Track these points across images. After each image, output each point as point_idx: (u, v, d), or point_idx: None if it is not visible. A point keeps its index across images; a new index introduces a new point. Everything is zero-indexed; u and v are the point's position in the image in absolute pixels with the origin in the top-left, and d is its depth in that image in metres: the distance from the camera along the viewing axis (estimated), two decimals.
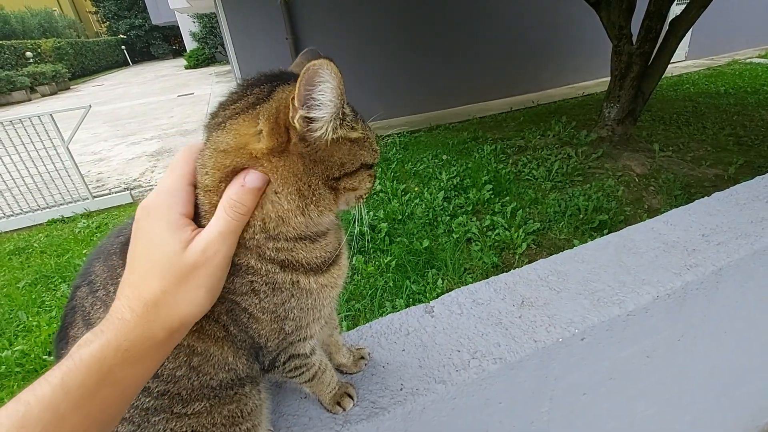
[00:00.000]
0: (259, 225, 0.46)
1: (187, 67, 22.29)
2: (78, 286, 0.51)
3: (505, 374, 0.74)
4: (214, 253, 0.43)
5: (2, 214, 4.81)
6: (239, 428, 0.54)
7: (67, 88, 20.06)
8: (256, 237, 0.47)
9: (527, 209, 3.65)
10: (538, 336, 0.77)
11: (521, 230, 3.23)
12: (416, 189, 4.00)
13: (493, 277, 0.95)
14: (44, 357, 2.61)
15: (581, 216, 3.47)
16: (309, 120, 0.43)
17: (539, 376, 0.80)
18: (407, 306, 2.57)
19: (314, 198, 0.46)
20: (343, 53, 6.38)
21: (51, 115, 4.60)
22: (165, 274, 0.42)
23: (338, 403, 0.64)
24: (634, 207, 3.62)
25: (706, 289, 0.94)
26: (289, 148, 0.44)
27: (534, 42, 7.43)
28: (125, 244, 0.47)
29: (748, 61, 8.50)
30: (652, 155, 4.31)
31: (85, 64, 25.97)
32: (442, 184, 4.08)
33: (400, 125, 6.66)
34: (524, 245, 3.08)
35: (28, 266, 3.83)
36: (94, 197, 5.07)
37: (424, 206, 3.68)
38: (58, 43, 22.64)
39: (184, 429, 0.50)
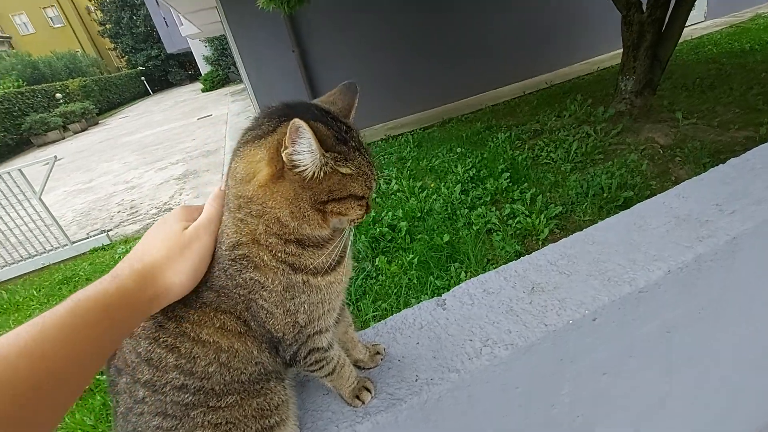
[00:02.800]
0: (273, 230, 0.53)
1: (203, 90, 23.03)
2: None
3: (519, 359, 0.76)
4: (204, 231, 0.54)
5: None
6: (268, 421, 0.59)
7: (96, 123, 21.12)
8: (270, 240, 0.53)
9: (547, 194, 3.59)
10: (549, 320, 0.79)
11: (542, 216, 3.19)
12: (432, 185, 4.01)
13: (503, 265, 0.97)
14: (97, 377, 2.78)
15: (605, 195, 3.39)
16: (295, 163, 0.50)
17: (554, 359, 0.81)
18: None
19: (304, 218, 0.52)
20: (349, 59, 6.46)
21: (20, 170, 4.82)
22: (166, 242, 0.53)
23: (357, 397, 0.68)
24: (661, 180, 3.51)
25: (722, 260, 0.93)
26: (283, 174, 0.51)
27: (543, 22, 7.28)
28: None
29: None
30: (675, 124, 4.15)
31: (110, 99, 27.28)
32: (458, 177, 4.08)
33: (412, 123, 6.68)
34: (546, 231, 3.05)
35: None
36: (73, 243, 5.28)
37: (441, 201, 3.69)
38: (84, 81, 23.87)
39: (220, 420, 0.56)
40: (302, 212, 0.52)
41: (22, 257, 5.10)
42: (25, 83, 20.55)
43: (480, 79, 7.26)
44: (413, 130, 6.21)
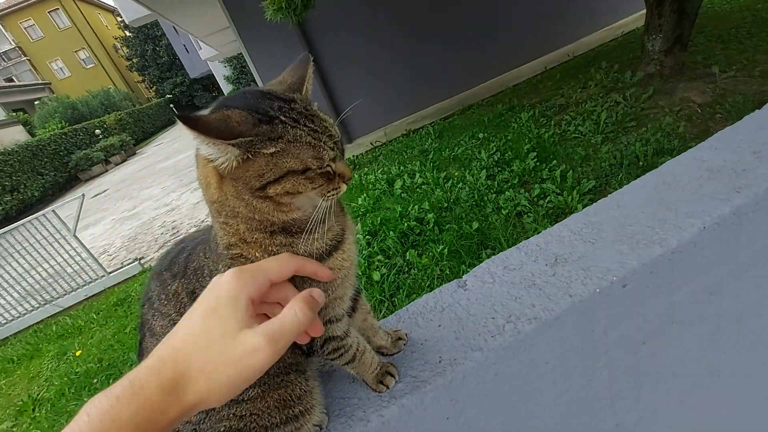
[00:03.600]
0: (252, 226, 0.53)
1: None
2: (143, 304, 0.62)
3: (545, 334, 0.73)
4: (262, 348, 0.43)
5: (31, 307, 5.35)
6: (292, 410, 0.60)
7: (134, 153, 22.34)
8: (256, 236, 0.54)
9: (578, 169, 3.45)
10: (574, 290, 0.76)
11: (575, 192, 3.07)
12: (457, 174, 3.95)
13: (524, 241, 0.94)
14: None
15: (641, 163, 3.22)
16: (210, 159, 0.50)
17: (584, 331, 0.78)
18: None
19: (255, 208, 0.52)
20: (362, 59, 6.48)
21: (54, 210, 5.09)
22: (210, 347, 0.42)
23: (381, 382, 0.68)
24: (701, 140, 3.28)
25: (765, 210, 0.85)
26: (223, 176, 0.51)
27: None
28: (170, 263, 0.61)
29: None
30: (712, 80, 3.87)
31: (144, 129, 28.79)
32: (482, 162, 4.00)
33: (431, 115, 6.61)
34: (580, 207, 2.93)
35: (131, 313, 4.34)
36: (110, 273, 5.56)
37: (468, 189, 3.63)
38: (119, 115, 25.30)
39: (244, 413, 0.58)
40: (250, 203, 0.51)
41: (65, 291, 5.43)
42: (67, 124, 22.05)
43: (497, 61, 7.07)
44: (433, 122, 6.14)
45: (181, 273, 0.59)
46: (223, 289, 0.46)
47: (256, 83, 13.80)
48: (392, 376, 0.69)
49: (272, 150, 0.49)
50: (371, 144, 6.32)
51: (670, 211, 0.86)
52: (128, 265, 5.61)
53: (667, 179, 0.97)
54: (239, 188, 0.50)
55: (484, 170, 3.80)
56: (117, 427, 0.37)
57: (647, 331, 0.85)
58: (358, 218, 3.98)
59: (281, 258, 0.52)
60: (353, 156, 5.99)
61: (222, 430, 0.57)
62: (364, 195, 4.27)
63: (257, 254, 0.54)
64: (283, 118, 0.50)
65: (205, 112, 0.51)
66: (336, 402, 0.71)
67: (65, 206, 5.33)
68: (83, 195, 5.43)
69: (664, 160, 3.09)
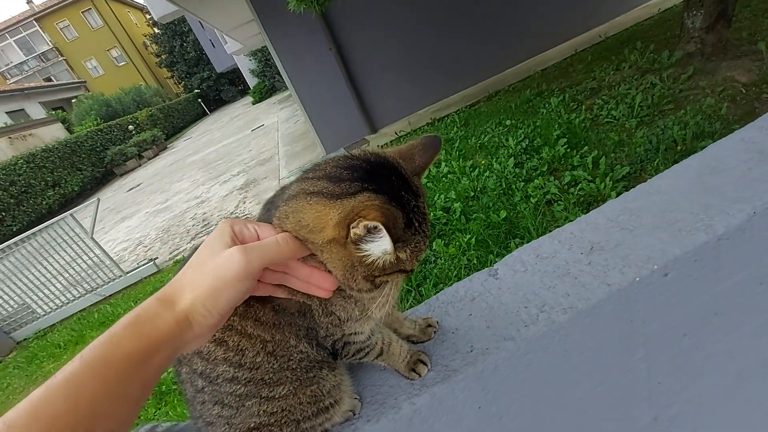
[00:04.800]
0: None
1: (253, 103, 24.21)
2: None
3: (580, 323, 0.71)
4: (234, 257, 0.48)
5: (54, 306, 5.63)
6: (323, 403, 0.61)
7: (165, 148, 23.07)
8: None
9: (611, 155, 3.32)
10: (611, 279, 0.73)
11: (608, 179, 2.96)
12: (483, 162, 3.88)
13: (557, 229, 0.92)
14: None
15: (679, 148, 3.07)
16: (360, 248, 0.50)
17: (622, 321, 0.75)
18: None
19: (354, 282, 0.53)
20: (385, 48, 6.41)
21: (72, 215, 5.25)
22: (193, 266, 0.50)
23: (413, 370, 0.68)
24: (746, 122, 3.07)
25: None
26: (346, 245, 0.50)
27: None
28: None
29: None
30: (759, 57, 3.62)
31: (174, 124, 29.65)
32: (510, 150, 3.90)
33: (457, 102, 6.49)
34: (614, 194, 2.82)
35: None
36: (126, 273, 5.73)
37: (495, 177, 3.56)
38: (150, 111, 26.15)
39: (275, 409, 0.58)
40: (353, 278, 0.53)
41: (81, 293, 5.68)
42: (102, 121, 22.97)
43: (524, 45, 6.84)
44: (459, 109, 6.04)
45: None
46: (216, 229, 0.53)
47: (281, 76, 13.90)
48: (425, 364, 0.69)
49: (402, 256, 0.52)
50: (396, 134, 6.29)
51: (715, 197, 0.82)
52: (144, 265, 5.78)
53: (711, 163, 0.92)
54: (357, 268, 0.52)
55: (512, 158, 3.71)
56: (116, 334, 0.43)
57: (689, 322, 0.82)
58: None
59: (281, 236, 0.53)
60: (378, 145, 5.97)
61: (252, 425, 0.58)
62: None
63: None
64: (416, 223, 0.52)
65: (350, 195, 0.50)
66: (367, 389, 0.71)
67: (85, 209, 5.54)
68: (98, 199, 5.62)
69: (704, 144, 2.95)
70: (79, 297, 5.63)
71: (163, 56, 36.61)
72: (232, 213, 6.79)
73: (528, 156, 3.74)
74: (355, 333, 0.61)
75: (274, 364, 0.57)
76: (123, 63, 40.61)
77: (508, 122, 4.54)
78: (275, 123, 13.63)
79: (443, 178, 4.02)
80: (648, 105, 3.72)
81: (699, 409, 0.91)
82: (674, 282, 0.75)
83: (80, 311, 5.59)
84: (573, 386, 0.77)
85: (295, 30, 6.02)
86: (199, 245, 0.55)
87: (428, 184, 4.01)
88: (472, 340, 0.72)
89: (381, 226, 0.46)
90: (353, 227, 0.48)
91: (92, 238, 5.42)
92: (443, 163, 4.25)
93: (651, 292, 0.74)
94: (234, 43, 13.32)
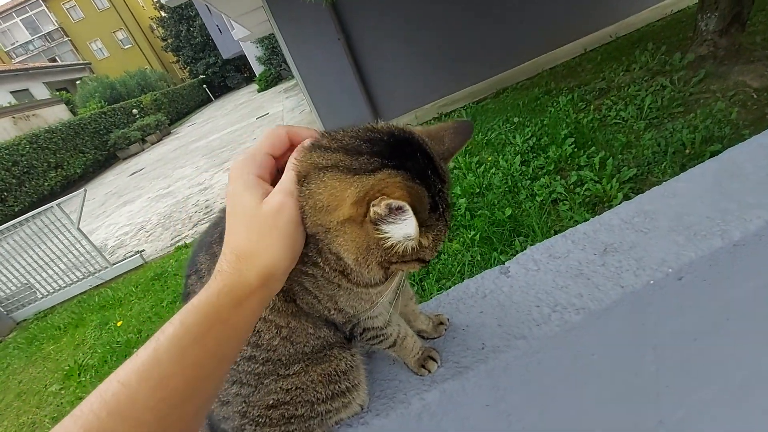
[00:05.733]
0: (341, 259, 0.51)
1: (259, 90, 24.08)
2: (188, 275, 0.60)
3: (592, 324, 0.71)
4: (286, 200, 0.47)
5: (55, 287, 5.64)
6: (338, 386, 0.61)
7: (169, 133, 23.03)
8: (330, 256, 0.52)
9: (619, 156, 3.30)
10: (625, 281, 0.73)
11: (614, 180, 2.95)
12: (490, 159, 3.86)
13: (570, 228, 0.91)
14: None
15: (687, 151, 3.05)
16: (380, 229, 0.46)
17: (634, 323, 0.75)
18: None
19: (367, 267, 0.50)
20: (394, 40, 6.36)
21: (58, 205, 5.18)
22: (248, 226, 0.47)
23: (423, 366, 0.68)
24: (756, 128, 3.07)
25: None
26: (363, 224, 0.46)
27: None
28: (221, 234, 0.53)
29: None
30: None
31: (178, 109, 29.56)
32: (517, 148, 3.88)
33: (464, 98, 6.45)
34: (620, 196, 2.81)
35: (167, 287, 4.54)
36: (113, 265, 5.66)
37: (501, 174, 3.54)
38: (155, 95, 26.04)
39: (289, 386, 0.59)
40: (366, 263, 0.49)
41: (82, 276, 5.66)
42: (106, 103, 22.89)
43: (533, 43, 6.78)
44: (465, 105, 6.00)
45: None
46: (232, 181, 0.50)
47: (287, 65, 13.80)
48: (434, 360, 0.69)
49: (424, 242, 0.48)
50: None
51: (732, 202, 0.81)
52: (130, 257, 5.72)
53: (729, 168, 0.91)
54: (373, 251, 0.48)
55: (519, 156, 3.70)
56: (213, 303, 0.44)
57: (700, 327, 0.81)
58: None
59: (271, 133, 0.53)
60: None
61: (270, 402, 0.59)
62: None
63: (320, 263, 0.52)
64: (441, 209, 0.49)
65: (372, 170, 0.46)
66: (376, 383, 0.71)
67: (70, 201, 5.43)
68: (85, 190, 5.53)
69: (713, 149, 2.94)
70: (79, 280, 5.65)
71: (169, 40, 36.35)
72: None
73: (535, 154, 3.72)
74: (372, 318, 0.61)
75: (290, 349, 0.57)
76: (128, 46, 40.38)
77: (515, 120, 4.51)
78: (280, 112, 13.58)
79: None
80: (657, 107, 3.69)
81: (704, 414, 0.91)
82: (688, 286, 0.74)
83: (81, 294, 5.61)
84: (581, 387, 0.77)
85: (304, 18, 5.97)
86: (218, 221, 0.55)
87: None
88: (483, 337, 0.72)
89: (407, 207, 0.42)
90: (374, 205, 0.44)
91: (78, 229, 5.36)
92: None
93: (665, 295, 0.73)
94: (241, 30, 13.22)
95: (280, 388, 0.59)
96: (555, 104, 4.52)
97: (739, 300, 0.81)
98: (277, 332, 0.56)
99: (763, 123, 3.13)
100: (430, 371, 0.68)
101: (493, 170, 3.69)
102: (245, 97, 25.02)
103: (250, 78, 35.12)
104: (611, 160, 3.18)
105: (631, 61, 4.76)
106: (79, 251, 5.49)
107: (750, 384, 0.93)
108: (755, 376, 0.92)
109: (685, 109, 3.59)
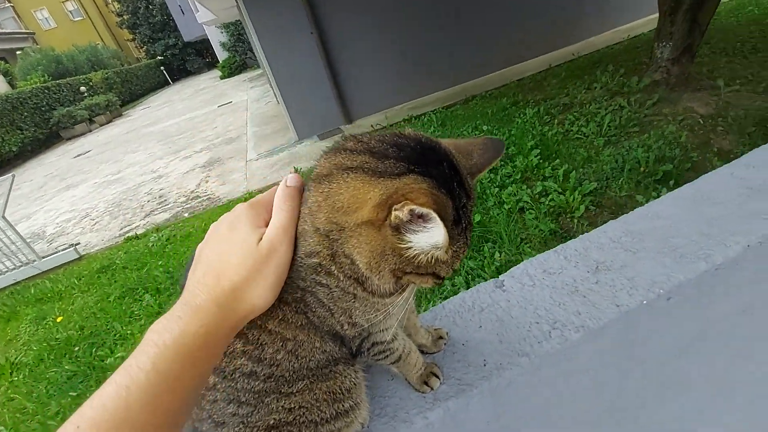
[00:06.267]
0: (357, 266, 0.49)
1: (222, 77, 23.13)
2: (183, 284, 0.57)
3: (589, 342, 0.72)
4: (279, 243, 0.48)
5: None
6: (341, 405, 0.58)
7: (120, 115, 21.59)
8: (344, 260, 0.49)
9: (580, 169, 3.47)
10: (620, 300, 0.75)
11: (577, 192, 3.09)
12: None
13: (561, 245, 0.93)
14: None
15: (642, 169, 3.25)
16: (402, 237, 0.45)
17: (625, 341, 0.77)
18: (466, 283, 2.56)
19: (378, 274, 0.48)
20: (368, 40, 6.33)
21: None
22: (245, 264, 0.47)
23: (426, 383, 0.67)
24: (702, 152, 3.33)
25: None
26: (382, 229, 0.44)
27: None
28: None
29: None
30: (716, 92, 3.91)
31: (132, 90, 27.76)
32: None
33: (434, 102, 6.54)
34: (582, 207, 2.95)
35: (115, 281, 4.24)
36: (42, 258, 5.19)
37: None
38: (106, 74, 24.30)
39: (293, 405, 0.55)
40: (378, 269, 0.47)
41: (16, 264, 5.16)
42: (50, 78, 21.09)
43: (502, 54, 7.00)
44: (435, 109, 6.08)
45: None
46: (235, 213, 0.52)
47: (253, 53, 13.35)
48: (437, 377, 0.67)
49: (443, 257, 0.47)
50: (372, 126, 6.23)
51: (713, 227, 0.86)
52: (63, 250, 5.28)
53: (704, 194, 0.96)
54: (388, 258, 0.46)
55: None
56: (188, 344, 0.42)
57: (679, 345, 0.85)
58: None
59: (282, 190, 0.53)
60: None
61: (271, 422, 0.55)
62: None
63: (335, 271, 0.50)
64: (464, 224, 0.47)
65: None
66: (375, 400, 0.69)
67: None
68: (13, 175, 5.10)
69: (665, 168, 3.15)
70: (9, 270, 5.14)
71: (125, 16, 34.04)
72: (193, 192, 6.47)
73: (502, 163, 3.82)
74: (383, 331, 0.59)
75: (294, 363, 0.54)
76: (79, 18, 37.47)
77: (484, 128, 4.62)
78: (245, 101, 13.12)
79: None
80: (616, 126, 3.92)
81: (680, 424, 0.97)
82: (675, 307, 0.78)
83: (13, 285, 5.12)
84: (571, 404, 0.79)
85: (276, 9, 5.80)
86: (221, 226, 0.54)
87: None
88: (485, 353, 0.71)
89: (433, 215, 0.41)
90: (395, 209, 0.42)
91: (3, 218, 4.88)
92: None
93: (654, 315, 0.76)
94: (206, 13, 12.63)
95: (283, 407, 0.55)
96: (522, 115, 4.68)
97: (715, 321, 0.86)
98: (282, 345, 0.52)
99: (708, 147, 3.41)
100: (432, 388, 0.67)
101: None
102: (206, 83, 23.95)
103: (212, 63, 33.63)
104: (574, 173, 3.33)
105: (593, 80, 5.02)
106: (3, 242, 4.98)
107: (716, 398, 0.99)
108: (722, 391, 0.99)
109: (641, 129, 3.83)
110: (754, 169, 1.00)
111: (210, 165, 7.54)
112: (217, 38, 23.64)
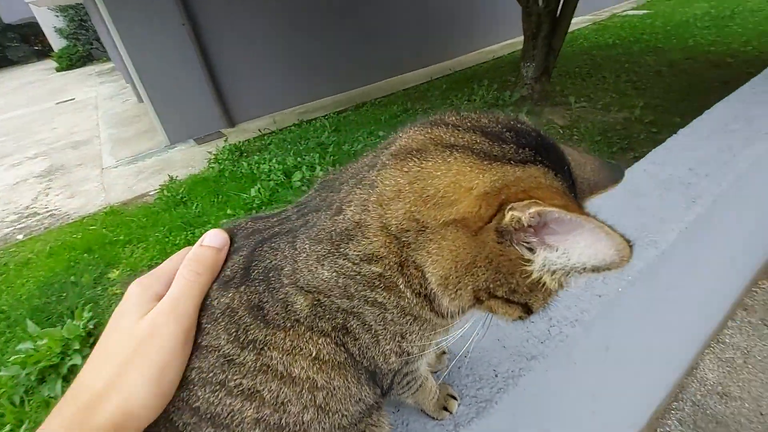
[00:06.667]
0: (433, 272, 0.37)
1: (59, 69, 19.30)
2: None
3: (582, 335, 0.72)
4: (164, 322, 0.36)
5: None
6: None
7: None
8: (414, 271, 0.37)
9: None
10: (599, 290, 0.77)
11: None
12: None
13: None
14: None
15: None
16: (526, 247, 0.33)
17: (605, 328, 0.80)
18: None
19: (453, 290, 0.37)
20: (253, 37, 5.95)
21: None
22: (111, 354, 0.37)
23: (444, 408, 0.57)
24: None
25: (708, 219, 1.01)
26: (480, 233, 0.34)
27: (440, 11, 7.54)
28: None
29: (624, 14, 9.49)
30: (569, 107, 4.65)
31: None
32: None
33: (324, 107, 6.44)
34: None
35: None
36: None
37: None
38: None
39: None
40: (456, 287, 0.36)
41: None
42: None
43: (389, 63, 7.28)
44: (327, 114, 5.98)
45: (240, 277, 0.39)
46: (123, 299, 0.40)
47: (102, 44, 11.44)
48: (454, 398, 0.59)
49: (553, 285, 0.35)
50: (259, 131, 5.83)
51: (647, 216, 0.95)
52: None
53: (630, 187, 1.08)
54: (476, 272, 0.35)
55: None
56: None
57: (623, 327, 0.92)
58: (252, 210, 3.62)
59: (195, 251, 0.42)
60: (238, 141, 5.43)
61: None
62: (258, 186, 3.90)
63: (401, 286, 0.38)
64: None
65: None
66: None
67: None
68: None
69: None
70: None
71: None
72: (28, 207, 5.19)
73: None
74: (420, 358, 0.48)
75: (324, 423, 0.40)
76: None
77: (380, 133, 4.70)
78: (93, 98, 11.14)
79: None
80: None
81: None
82: (634, 290, 0.83)
83: None
84: (565, 395, 0.78)
85: None
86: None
87: (303, 188, 3.83)
88: (492, 363, 0.66)
89: (588, 226, 0.31)
90: (512, 209, 0.31)
91: None
92: (318, 167, 4.12)
93: (620, 302, 0.80)
94: None
95: None
96: (414, 122, 4.89)
97: (658, 299, 0.95)
98: (311, 400, 0.38)
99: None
100: (452, 412, 0.58)
101: None
102: (37, 75, 19.69)
103: (44, 52, 27.85)
104: None
105: (472, 93, 5.53)
106: None
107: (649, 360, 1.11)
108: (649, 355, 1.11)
109: None
110: (660, 166, 1.16)
111: (50, 174, 6.16)
112: (50, 22, 19.70)
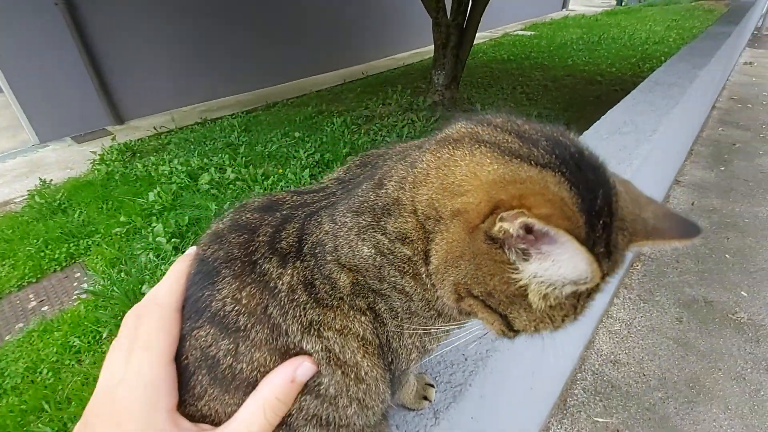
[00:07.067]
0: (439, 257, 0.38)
1: None
2: (193, 329, 0.38)
3: None
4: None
5: None
6: None
7: None
8: (439, 250, 0.37)
9: None
10: None
11: None
12: (280, 171, 3.74)
13: None
14: None
15: None
16: (519, 251, 0.33)
17: None
18: None
19: (439, 278, 0.37)
20: (146, 27, 5.36)
21: None
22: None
23: (424, 397, 0.55)
24: None
25: None
26: (475, 232, 0.34)
27: (352, 15, 7.62)
28: (272, 236, 0.39)
29: (515, 33, 10.57)
30: (477, 114, 5.01)
31: None
32: (302, 162, 3.92)
33: (231, 106, 6.06)
34: None
35: None
36: None
37: (292, 187, 3.48)
38: None
39: None
40: (443, 276, 0.36)
41: None
42: None
43: (301, 64, 7.13)
44: (235, 113, 5.63)
45: (294, 251, 0.37)
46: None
47: None
48: (431, 386, 0.57)
49: (542, 305, 0.36)
50: (155, 129, 5.25)
51: (622, 151, 1.04)
52: None
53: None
54: (462, 268, 0.35)
55: (306, 169, 3.73)
56: None
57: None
58: (152, 216, 3.24)
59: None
60: (129, 141, 4.82)
61: None
62: (157, 190, 3.49)
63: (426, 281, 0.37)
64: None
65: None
66: None
67: None
68: None
69: None
70: None
71: None
72: None
73: (320, 169, 3.85)
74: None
75: (361, 420, 0.38)
76: None
77: (296, 134, 4.56)
78: None
79: (230, 185, 3.62)
80: (412, 136, 4.51)
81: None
82: None
83: None
84: (521, 371, 0.81)
85: None
86: None
87: (212, 191, 3.53)
88: (460, 347, 0.65)
89: (566, 237, 0.30)
90: (503, 220, 0.31)
91: None
92: (228, 169, 3.84)
93: None
94: None
95: None
96: (331, 124, 4.84)
97: None
98: (356, 390, 0.37)
99: None
100: (431, 400, 0.56)
101: (282, 183, 3.58)
102: None
103: None
104: None
105: (386, 97, 5.65)
106: None
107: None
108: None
109: None
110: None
111: None
112: None
